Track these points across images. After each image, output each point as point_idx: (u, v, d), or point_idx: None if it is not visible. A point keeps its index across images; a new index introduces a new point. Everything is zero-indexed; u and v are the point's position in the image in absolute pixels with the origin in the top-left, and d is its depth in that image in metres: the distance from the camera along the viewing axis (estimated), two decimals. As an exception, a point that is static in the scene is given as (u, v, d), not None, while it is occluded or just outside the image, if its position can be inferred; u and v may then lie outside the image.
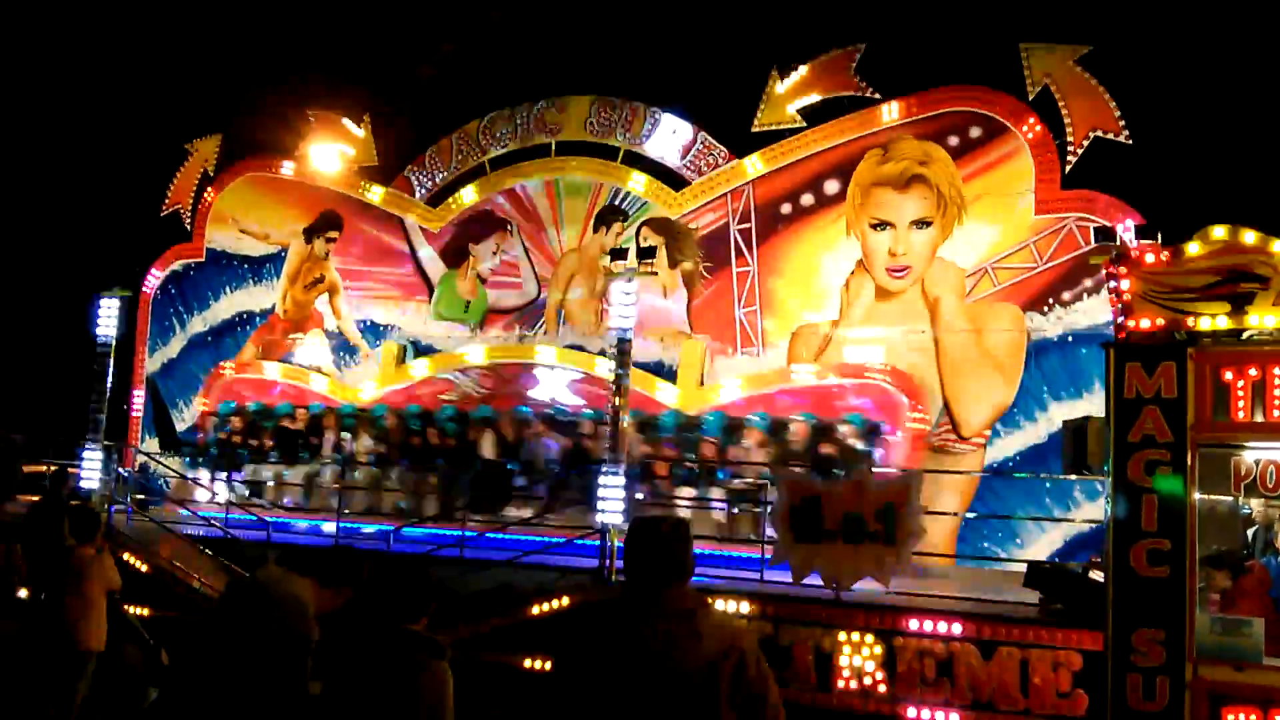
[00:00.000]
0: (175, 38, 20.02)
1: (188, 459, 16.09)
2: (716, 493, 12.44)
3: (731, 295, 14.58)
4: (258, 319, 18.16)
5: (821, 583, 8.74)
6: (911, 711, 8.11)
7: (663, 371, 14.42)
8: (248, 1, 20.61)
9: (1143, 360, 7.58)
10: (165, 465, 16.16)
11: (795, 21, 15.18)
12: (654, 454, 13.04)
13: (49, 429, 15.27)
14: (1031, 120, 12.84)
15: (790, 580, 8.90)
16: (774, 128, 14.43)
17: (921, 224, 13.39)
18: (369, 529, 12.68)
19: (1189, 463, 7.39)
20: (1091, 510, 11.14)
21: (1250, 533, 8.73)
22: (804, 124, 14.19)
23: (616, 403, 10.48)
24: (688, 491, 12.53)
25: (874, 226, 13.68)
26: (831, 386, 13.27)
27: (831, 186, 14.02)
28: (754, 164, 14.59)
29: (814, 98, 14.14)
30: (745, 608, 8.73)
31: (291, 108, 17.64)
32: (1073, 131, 12.61)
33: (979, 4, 15.17)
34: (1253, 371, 7.35)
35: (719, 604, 8.60)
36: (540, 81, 16.35)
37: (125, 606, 7.70)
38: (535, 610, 9.56)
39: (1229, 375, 7.40)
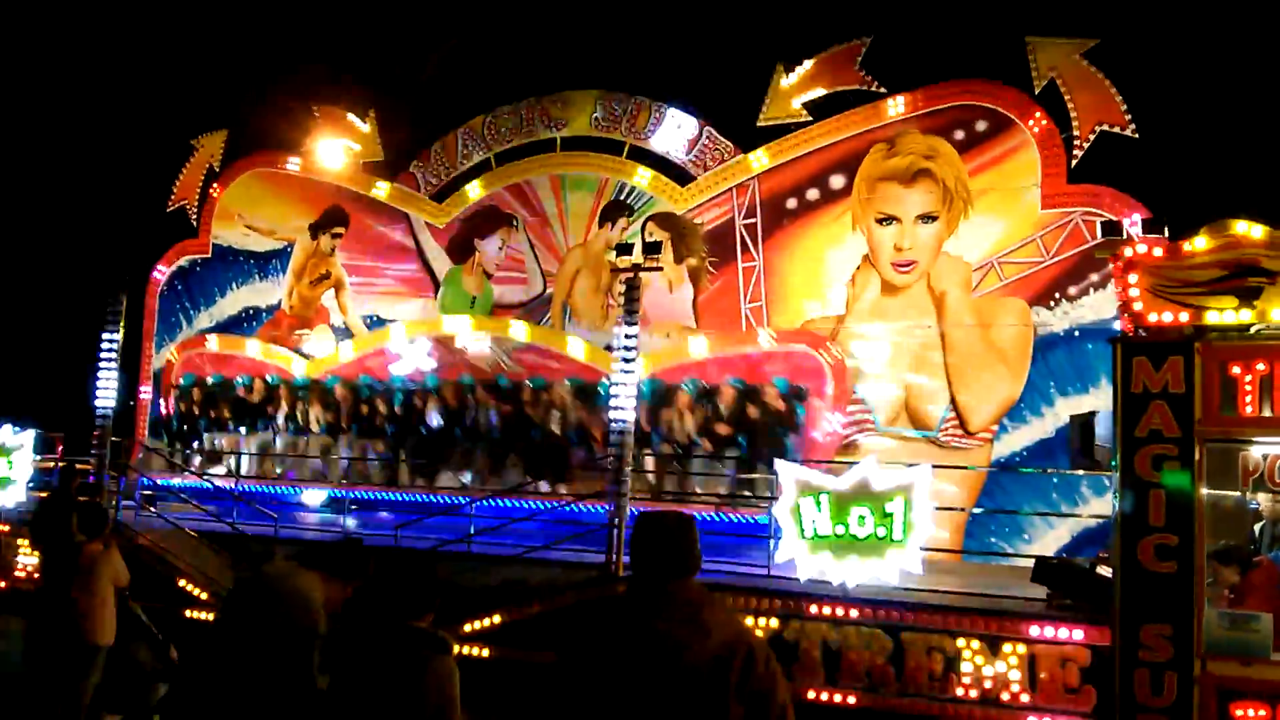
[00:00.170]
0: (180, 34, 20.01)
1: (152, 434, 17.08)
2: (649, 460, 13.17)
3: (737, 290, 14.58)
4: (264, 315, 18.19)
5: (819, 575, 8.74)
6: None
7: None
8: (253, -2, 20.58)
9: (1150, 355, 7.56)
10: (163, 455, 16.32)
11: (800, 15, 15.11)
12: (592, 420, 13.89)
13: (55, 425, 15.30)
14: (1037, 114, 12.81)
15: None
16: (779, 122, 14.41)
17: (927, 218, 13.38)
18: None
19: (1196, 458, 7.38)
20: (1099, 505, 11.13)
21: (1258, 528, 8.73)
22: (809, 118, 14.17)
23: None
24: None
25: (880, 221, 13.67)
26: (757, 354, 13.99)
27: (837, 181, 14.01)
28: (759, 159, 14.58)
29: (819, 92, 14.13)
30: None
31: (297, 103, 17.62)
32: (1079, 125, 12.58)
33: (985, -3, 15.10)
34: (1260, 366, 7.32)
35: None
36: (545, 77, 16.31)
37: (133, 602, 7.72)
38: (542, 605, 9.58)
39: (1236, 370, 7.37)
